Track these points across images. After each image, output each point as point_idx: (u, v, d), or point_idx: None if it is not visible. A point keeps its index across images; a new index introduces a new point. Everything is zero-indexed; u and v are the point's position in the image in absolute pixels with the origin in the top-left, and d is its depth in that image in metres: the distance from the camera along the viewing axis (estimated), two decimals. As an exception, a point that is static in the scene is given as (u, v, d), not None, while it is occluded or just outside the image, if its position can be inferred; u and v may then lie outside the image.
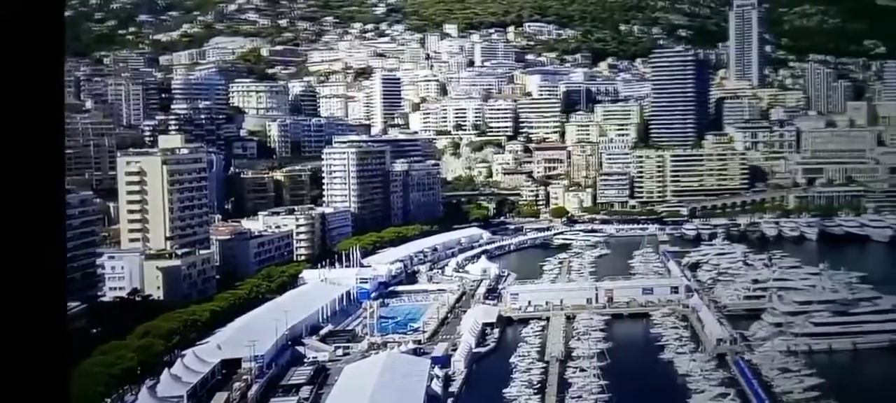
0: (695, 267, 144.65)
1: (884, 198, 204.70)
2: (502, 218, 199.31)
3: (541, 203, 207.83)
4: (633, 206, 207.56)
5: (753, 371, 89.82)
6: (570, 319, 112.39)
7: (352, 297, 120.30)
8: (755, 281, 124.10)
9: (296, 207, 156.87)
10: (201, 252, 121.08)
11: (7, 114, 3.01)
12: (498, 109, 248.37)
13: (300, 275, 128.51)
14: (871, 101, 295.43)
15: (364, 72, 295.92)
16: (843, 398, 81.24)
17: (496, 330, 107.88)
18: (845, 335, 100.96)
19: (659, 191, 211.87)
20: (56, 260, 3.13)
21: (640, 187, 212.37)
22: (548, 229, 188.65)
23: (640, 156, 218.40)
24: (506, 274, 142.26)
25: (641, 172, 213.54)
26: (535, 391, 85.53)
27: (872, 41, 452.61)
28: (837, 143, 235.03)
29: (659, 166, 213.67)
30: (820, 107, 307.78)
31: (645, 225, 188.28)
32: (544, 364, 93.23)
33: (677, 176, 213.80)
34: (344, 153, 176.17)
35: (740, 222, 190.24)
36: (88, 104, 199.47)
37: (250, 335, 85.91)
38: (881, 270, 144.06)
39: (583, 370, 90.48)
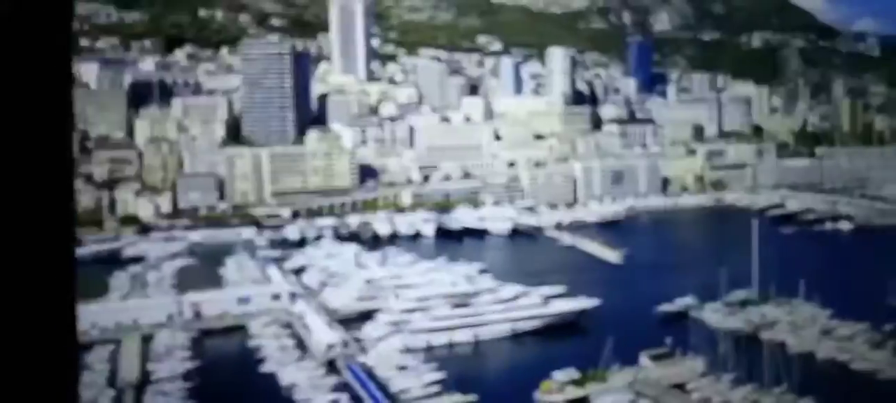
0: (299, 271, 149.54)
1: (502, 192, 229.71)
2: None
3: (104, 210, 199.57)
4: (225, 210, 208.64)
5: (368, 372, 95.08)
6: (147, 340, 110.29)
7: None
8: (368, 281, 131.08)
9: None
10: None
11: (15, 112, 3.33)
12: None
13: None
14: (486, 97, 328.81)
15: None
16: (465, 389, 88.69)
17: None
18: (466, 327, 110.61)
19: (255, 193, 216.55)
20: (66, 260, 3.49)
21: (233, 189, 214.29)
22: (115, 240, 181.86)
23: (231, 155, 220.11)
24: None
25: (233, 173, 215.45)
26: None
27: (487, 37, 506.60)
28: (453, 139, 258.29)
29: (254, 165, 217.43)
30: (433, 102, 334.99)
31: (239, 231, 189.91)
32: (115, 392, 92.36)
33: (277, 175, 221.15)
34: None
35: (351, 221, 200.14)
36: None
37: None
38: (501, 261, 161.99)
39: (165, 393, 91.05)
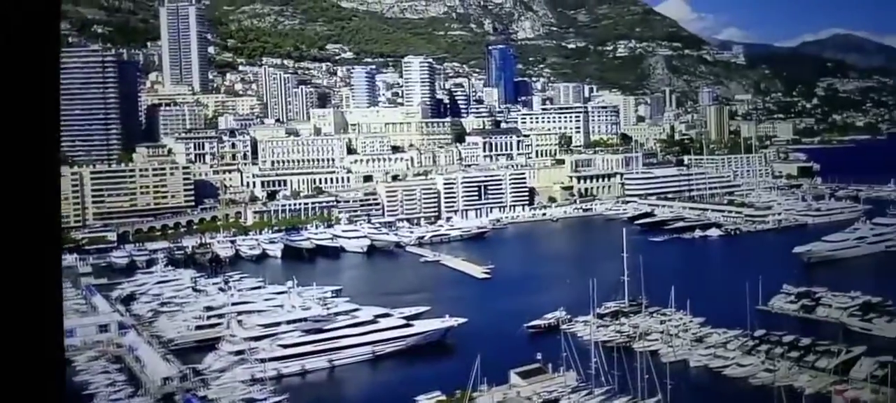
0: (129, 299, 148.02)
1: (357, 208, 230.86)
2: None
3: None
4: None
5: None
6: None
7: None
8: (208, 309, 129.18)
9: None
10: None
11: (2, 113, 3.53)
12: None
13: None
14: (338, 108, 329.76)
15: None
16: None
17: None
18: (320, 353, 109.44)
19: (76, 215, 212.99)
20: (51, 259, 3.66)
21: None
22: None
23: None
24: None
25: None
26: None
27: (338, 46, 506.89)
28: (302, 153, 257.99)
29: (75, 185, 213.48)
30: (279, 114, 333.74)
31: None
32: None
33: (101, 195, 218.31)
34: None
35: (187, 244, 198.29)
36: None
37: None
38: (358, 281, 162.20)
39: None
